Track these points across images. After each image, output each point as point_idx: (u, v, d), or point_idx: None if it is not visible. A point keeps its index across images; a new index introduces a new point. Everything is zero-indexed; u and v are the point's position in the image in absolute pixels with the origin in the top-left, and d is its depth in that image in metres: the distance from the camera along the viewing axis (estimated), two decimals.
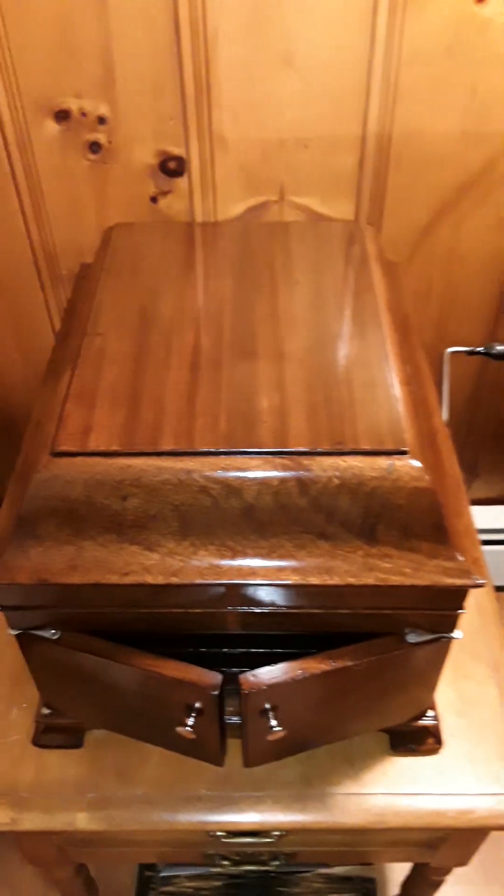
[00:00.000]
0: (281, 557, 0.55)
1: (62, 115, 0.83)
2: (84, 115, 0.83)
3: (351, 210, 0.92)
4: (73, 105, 0.82)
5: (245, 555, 0.55)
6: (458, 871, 0.90)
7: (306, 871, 0.99)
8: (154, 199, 0.90)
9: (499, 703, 0.75)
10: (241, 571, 0.54)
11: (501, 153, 0.88)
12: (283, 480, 0.53)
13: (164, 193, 0.90)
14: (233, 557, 0.55)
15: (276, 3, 0.76)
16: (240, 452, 0.54)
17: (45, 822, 0.67)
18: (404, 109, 0.84)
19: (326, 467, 0.53)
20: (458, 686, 0.76)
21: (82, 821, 0.67)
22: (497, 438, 1.23)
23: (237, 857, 0.81)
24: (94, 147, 0.85)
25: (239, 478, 0.53)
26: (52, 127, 0.84)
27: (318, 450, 0.54)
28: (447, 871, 0.87)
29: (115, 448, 0.54)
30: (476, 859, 0.84)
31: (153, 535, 0.54)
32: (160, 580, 0.54)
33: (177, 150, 0.86)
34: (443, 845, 0.77)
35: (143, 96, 0.82)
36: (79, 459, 0.53)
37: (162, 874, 0.98)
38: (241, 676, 0.57)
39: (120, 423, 0.55)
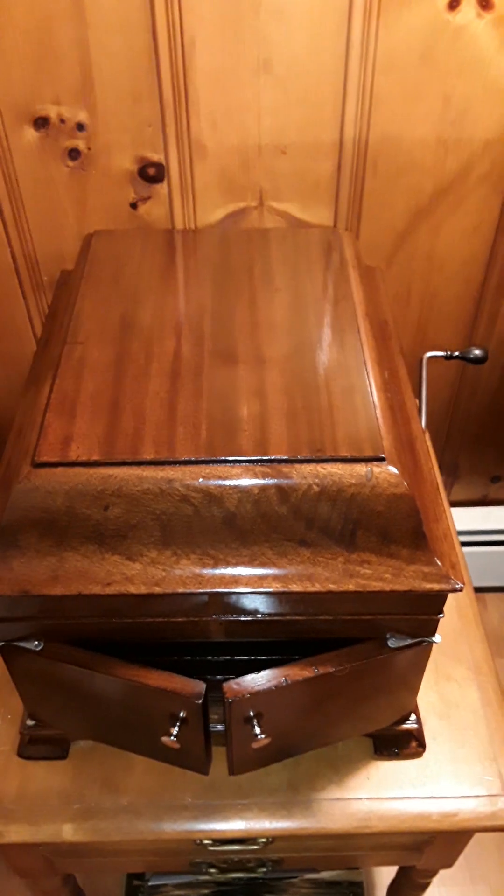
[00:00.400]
0: (262, 565, 0.55)
1: (41, 122, 0.83)
2: (63, 121, 0.83)
3: (329, 215, 0.93)
4: (51, 112, 0.82)
5: (227, 563, 0.55)
6: (443, 872, 0.91)
7: (293, 877, 0.99)
8: (134, 206, 0.90)
9: (480, 705, 0.75)
10: (223, 580, 0.54)
11: (476, 159, 0.89)
12: (263, 488, 0.53)
13: (144, 200, 0.90)
14: (215, 566, 0.55)
15: (253, 11, 0.77)
16: (220, 461, 0.54)
17: (30, 834, 0.67)
18: (380, 116, 0.85)
19: (306, 475, 0.53)
20: (439, 688, 0.76)
21: (68, 832, 0.67)
22: (476, 441, 1.24)
23: (224, 865, 0.81)
24: (74, 154, 0.85)
25: (220, 486, 0.53)
26: (30, 134, 0.84)
27: (298, 457, 0.54)
28: (433, 872, 0.88)
29: (96, 458, 0.53)
30: (461, 859, 0.85)
31: (135, 544, 0.54)
32: (143, 590, 0.54)
33: (156, 157, 0.86)
34: (428, 848, 0.77)
35: (122, 103, 0.82)
36: (60, 470, 0.53)
37: (150, 883, 0.98)
38: (225, 685, 0.57)
39: (101, 433, 0.55)
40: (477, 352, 0.82)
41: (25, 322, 1.01)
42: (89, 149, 0.85)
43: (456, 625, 0.81)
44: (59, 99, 0.82)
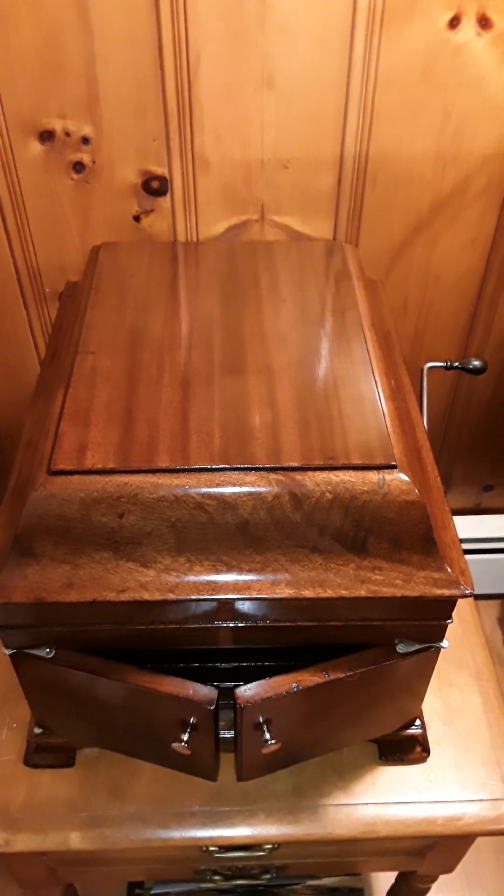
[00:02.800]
0: (275, 572, 0.56)
1: (46, 136, 0.84)
2: (68, 135, 0.84)
3: (329, 229, 0.94)
4: (57, 125, 0.83)
5: (240, 570, 0.55)
6: (441, 879, 0.91)
7: (296, 883, 0.99)
8: (137, 218, 0.91)
9: (482, 710, 0.76)
10: (236, 586, 0.55)
11: (474, 174, 0.91)
12: (277, 496, 0.54)
13: (147, 212, 0.91)
14: (228, 572, 0.55)
15: (257, 28, 0.78)
16: (235, 468, 0.54)
17: (38, 842, 0.67)
18: (380, 131, 0.86)
19: (319, 482, 0.54)
20: (442, 694, 0.77)
21: (75, 840, 0.67)
22: (469, 450, 1.26)
23: (228, 872, 0.81)
24: (78, 167, 0.86)
25: (234, 493, 0.54)
26: (36, 147, 0.84)
27: (311, 465, 0.55)
28: (433, 878, 0.88)
29: (111, 466, 0.54)
30: (458, 866, 0.85)
31: (149, 551, 0.55)
32: (157, 596, 0.54)
33: (159, 170, 0.87)
34: (430, 852, 0.78)
35: (127, 117, 0.83)
36: (75, 478, 0.54)
37: (152, 891, 0.98)
38: (236, 690, 0.57)
39: (115, 441, 0.56)
40: (476, 362, 0.84)
41: (27, 333, 1.01)
42: (94, 162, 0.86)
43: (457, 631, 0.82)
44: (65, 113, 0.83)
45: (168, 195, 0.89)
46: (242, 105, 0.83)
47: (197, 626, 0.59)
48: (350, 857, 0.80)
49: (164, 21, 0.77)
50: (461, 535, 1.37)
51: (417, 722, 0.72)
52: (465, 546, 1.39)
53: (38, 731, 0.70)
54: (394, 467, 0.55)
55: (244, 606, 0.57)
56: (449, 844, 0.77)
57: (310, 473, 0.54)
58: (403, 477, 0.55)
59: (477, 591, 1.48)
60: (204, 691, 0.58)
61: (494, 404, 1.18)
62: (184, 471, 0.54)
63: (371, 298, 0.75)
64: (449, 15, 0.78)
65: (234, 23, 0.78)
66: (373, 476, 0.54)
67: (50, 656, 0.60)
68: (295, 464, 0.55)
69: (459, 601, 0.84)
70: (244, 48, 0.79)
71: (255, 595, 0.55)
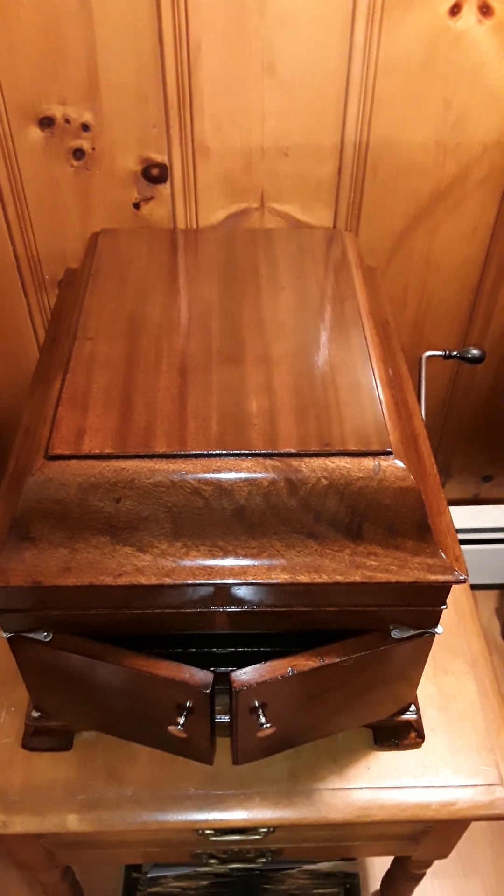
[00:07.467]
0: (271, 557, 0.56)
1: (46, 122, 0.84)
2: (68, 121, 0.84)
3: (329, 217, 0.94)
4: (57, 112, 0.83)
5: (236, 555, 0.56)
6: (436, 865, 0.92)
7: (291, 868, 1.00)
8: (136, 206, 0.91)
9: (477, 697, 0.77)
10: (232, 571, 0.56)
11: (474, 163, 0.90)
12: (273, 481, 0.55)
13: (147, 200, 0.91)
14: (224, 557, 0.56)
15: (258, 16, 0.78)
16: (231, 454, 0.55)
17: (35, 824, 0.68)
18: (380, 120, 0.86)
19: (315, 468, 0.55)
20: (438, 681, 0.78)
21: (73, 822, 0.68)
22: (468, 441, 1.26)
23: (224, 856, 0.82)
24: (78, 154, 0.86)
25: (230, 479, 0.54)
26: (36, 133, 0.84)
27: (307, 451, 0.55)
28: (428, 864, 0.89)
29: (108, 451, 0.54)
30: (453, 853, 0.86)
31: (146, 536, 0.55)
32: (153, 581, 0.55)
33: (159, 158, 0.87)
34: (425, 837, 0.78)
35: (127, 104, 0.83)
36: (73, 462, 0.54)
37: (149, 875, 0.99)
38: (232, 674, 0.58)
39: (113, 426, 0.56)
40: (475, 351, 0.84)
41: (27, 320, 1.02)
42: (94, 149, 0.86)
43: (453, 619, 0.82)
44: (65, 99, 0.83)
45: (168, 182, 0.89)
46: (243, 93, 0.83)
47: (193, 610, 0.59)
48: (345, 841, 0.81)
49: (164, 8, 0.77)
50: (460, 526, 1.37)
51: (412, 708, 0.73)
52: (464, 536, 1.39)
53: (36, 714, 0.70)
54: (389, 454, 0.55)
55: (240, 591, 0.57)
56: (443, 829, 0.77)
57: (306, 459, 0.55)
58: (399, 463, 0.55)
59: (475, 582, 1.49)
60: (200, 675, 0.58)
61: (493, 395, 1.18)
62: (181, 456, 0.55)
63: (370, 287, 0.75)
64: (450, 2, 0.78)
65: (234, 10, 0.77)
66: (368, 462, 0.55)
67: (47, 640, 0.60)
68: (291, 450, 0.55)
69: (455, 589, 0.85)
70: (245, 36, 0.79)
71: (250, 580, 0.55)
